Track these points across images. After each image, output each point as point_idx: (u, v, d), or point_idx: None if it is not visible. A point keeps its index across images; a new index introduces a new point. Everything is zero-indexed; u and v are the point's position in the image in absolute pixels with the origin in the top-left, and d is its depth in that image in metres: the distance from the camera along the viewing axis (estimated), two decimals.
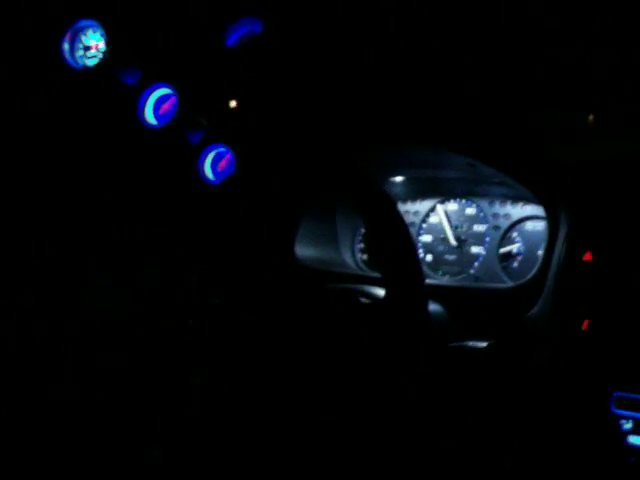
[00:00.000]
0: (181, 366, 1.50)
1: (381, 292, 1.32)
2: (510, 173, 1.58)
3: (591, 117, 1.63)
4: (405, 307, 1.21)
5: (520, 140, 1.63)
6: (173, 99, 1.69)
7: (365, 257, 1.93)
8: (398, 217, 1.24)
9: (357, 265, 1.93)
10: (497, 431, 1.42)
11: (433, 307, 1.48)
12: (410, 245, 1.22)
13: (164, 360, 1.52)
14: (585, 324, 1.38)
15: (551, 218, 1.51)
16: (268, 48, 1.78)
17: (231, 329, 1.46)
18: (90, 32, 1.60)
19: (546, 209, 1.53)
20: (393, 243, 1.22)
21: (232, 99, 1.75)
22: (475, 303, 1.56)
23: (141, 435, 1.49)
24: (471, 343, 1.41)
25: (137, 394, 1.53)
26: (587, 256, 1.41)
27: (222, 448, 1.43)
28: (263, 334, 1.40)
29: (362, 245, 1.95)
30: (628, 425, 1.34)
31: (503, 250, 1.73)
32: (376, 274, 1.55)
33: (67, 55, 1.61)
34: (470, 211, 1.80)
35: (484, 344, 1.40)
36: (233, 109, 1.76)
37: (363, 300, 1.34)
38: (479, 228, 1.78)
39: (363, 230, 1.93)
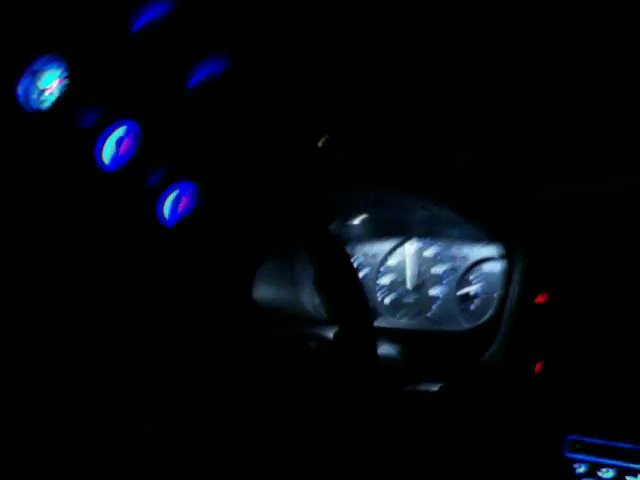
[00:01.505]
0: (134, 409, 1.48)
1: (331, 334, 1.32)
2: (465, 214, 1.59)
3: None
4: (353, 350, 1.20)
5: (475, 181, 1.64)
6: (132, 138, 1.68)
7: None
8: (345, 262, 1.24)
9: (314, 307, 1.92)
10: (450, 475, 1.40)
11: (388, 350, 1.48)
12: (357, 289, 1.22)
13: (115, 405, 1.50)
14: (538, 366, 1.38)
15: (507, 259, 1.51)
16: (231, 88, 1.78)
17: (185, 374, 1.44)
18: (48, 73, 1.59)
19: (502, 249, 1.54)
20: (340, 287, 1.21)
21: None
22: (431, 345, 1.56)
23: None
24: (423, 387, 1.40)
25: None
26: (541, 298, 1.42)
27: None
28: (215, 378, 1.38)
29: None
30: (581, 469, 1.33)
31: (461, 292, 1.73)
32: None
33: (21, 97, 1.59)
34: (429, 253, 1.80)
35: (436, 387, 1.39)
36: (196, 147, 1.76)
37: (312, 345, 1.33)
38: (437, 270, 1.78)
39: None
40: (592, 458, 1.33)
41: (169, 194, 1.75)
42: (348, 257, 1.26)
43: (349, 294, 1.22)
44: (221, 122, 1.79)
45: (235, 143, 1.79)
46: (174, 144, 1.73)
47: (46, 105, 1.59)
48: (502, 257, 1.55)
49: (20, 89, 1.59)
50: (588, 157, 1.62)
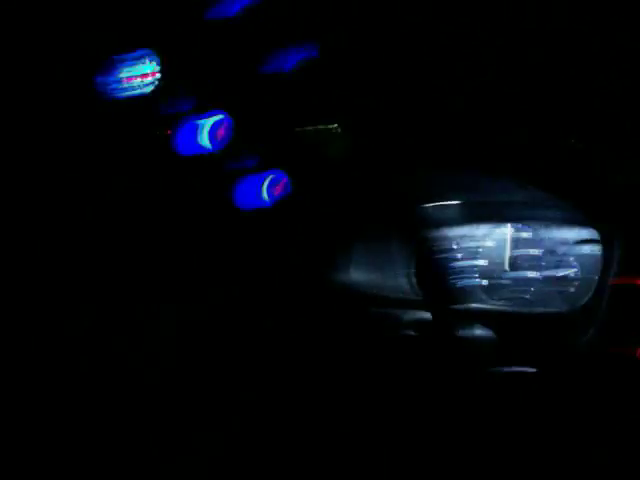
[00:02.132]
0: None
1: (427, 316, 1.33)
2: (562, 197, 1.56)
3: None
4: (445, 332, 1.21)
5: (574, 164, 1.61)
6: (227, 125, 1.73)
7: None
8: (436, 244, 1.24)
9: (412, 289, 1.92)
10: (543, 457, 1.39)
11: (485, 332, 1.47)
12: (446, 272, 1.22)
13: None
14: (639, 351, 1.35)
15: (605, 242, 1.49)
16: (325, 70, 1.80)
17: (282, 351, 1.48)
18: (146, 61, 1.64)
19: (600, 234, 1.51)
20: (431, 269, 1.22)
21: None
22: (529, 328, 1.54)
23: None
24: (520, 368, 1.39)
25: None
26: None
27: None
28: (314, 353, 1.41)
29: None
30: None
31: (559, 274, 1.70)
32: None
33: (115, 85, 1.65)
34: (526, 235, 1.78)
35: (532, 370, 1.38)
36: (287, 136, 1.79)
37: (409, 332, 1.34)
38: (535, 252, 1.76)
39: None
40: None
41: (265, 179, 1.79)
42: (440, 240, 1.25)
43: (442, 278, 1.22)
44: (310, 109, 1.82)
45: (327, 128, 1.81)
46: (263, 133, 1.76)
47: (149, 89, 1.65)
48: (600, 240, 1.52)
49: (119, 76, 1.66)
50: None
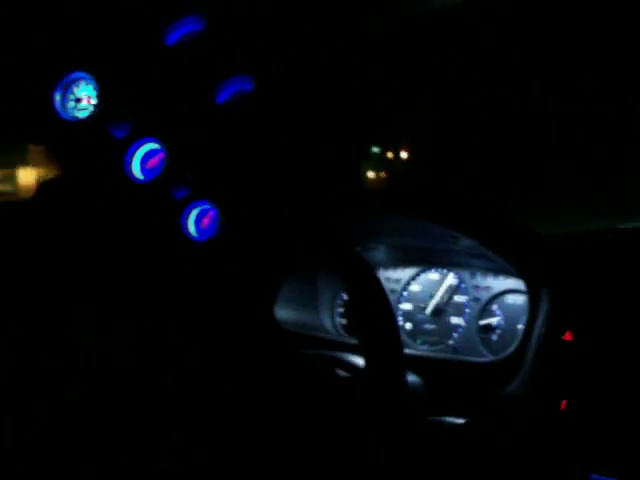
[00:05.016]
0: (158, 421, 1.48)
1: (359, 361, 1.32)
2: (490, 246, 1.59)
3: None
4: (383, 378, 1.20)
5: (501, 213, 1.64)
6: (161, 154, 1.69)
7: (344, 322, 1.92)
8: (377, 285, 1.24)
9: (336, 330, 1.92)
10: None
11: (412, 379, 1.47)
12: (389, 314, 1.22)
13: (141, 413, 1.50)
14: (563, 404, 1.38)
15: (532, 294, 1.51)
16: (259, 106, 1.79)
17: (207, 388, 1.44)
18: (82, 84, 1.60)
19: (527, 284, 1.54)
20: (372, 311, 1.21)
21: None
22: (453, 375, 1.55)
23: None
24: (449, 419, 1.40)
25: (111, 445, 1.50)
26: (567, 335, 1.41)
27: None
28: (238, 396, 1.38)
29: (342, 310, 1.94)
30: None
31: (483, 322, 1.73)
32: (354, 340, 1.54)
33: (58, 105, 1.61)
34: (451, 281, 1.80)
35: (462, 420, 1.39)
36: (220, 166, 1.76)
37: (339, 372, 1.33)
38: (459, 299, 1.78)
39: (344, 295, 1.92)
40: None
41: (191, 212, 1.76)
42: (379, 281, 1.25)
43: (382, 319, 1.21)
44: (246, 141, 1.80)
45: (260, 164, 1.80)
46: (195, 163, 1.74)
47: (83, 114, 1.61)
48: (526, 290, 1.55)
49: (57, 98, 1.61)
50: (617, 192, 1.62)
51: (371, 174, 1.81)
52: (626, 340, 1.38)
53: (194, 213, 1.78)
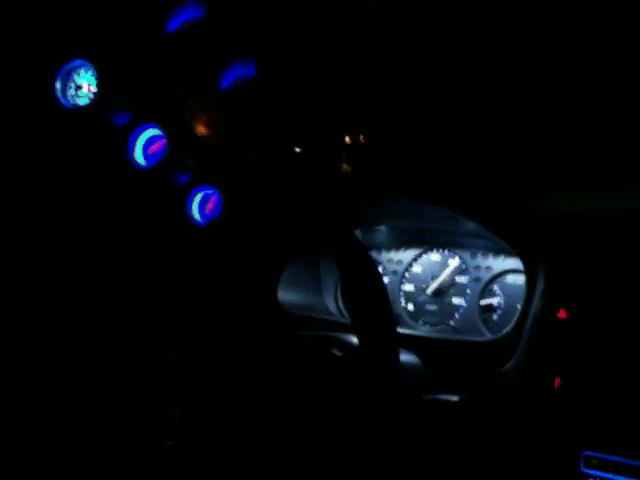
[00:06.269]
0: (160, 402, 1.51)
1: (355, 340, 1.33)
2: (489, 226, 1.60)
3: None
4: (375, 357, 1.22)
5: (499, 193, 1.65)
6: (162, 140, 1.71)
7: None
8: (371, 266, 1.25)
9: (339, 312, 1.93)
10: None
11: (409, 358, 1.49)
12: (382, 295, 1.23)
13: (144, 395, 1.53)
14: (557, 381, 1.39)
15: (529, 273, 1.52)
16: (261, 90, 1.80)
17: (209, 369, 1.47)
18: (82, 72, 1.63)
19: (524, 263, 1.54)
20: (365, 292, 1.23)
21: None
22: (452, 355, 1.56)
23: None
24: (444, 396, 1.41)
25: (116, 426, 1.53)
26: (562, 313, 1.42)
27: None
28: (239, 375, 1.41)
29: None
30: None
31: (483, 302, 1.74)
32: None
33: (59, 94, 1.63)
34: (452, 262, 1.81)
35: (456, 398, 1.40)
36: (224, 151, 1.78)
37: (336, 352, 1.35)
38: (461, 279, 1.79)
39: None
40: (608, 475, 1.33)
41: (195, 196, 1.78)
42: (373, 262, 1.27)
43: (374, 300, 1.23)
44: (248, 126, 1.81)
45: (261, 148, 1.81)
46: (197, 149, 1.75)
47: (83, 102, 1.63)
48: (525, 270, 1.55)
49: (57, 86, 1.63)
50: (614, 172, 1.62)
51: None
52: (619, 318, 1.39)
53: (198, 198, 1.80)
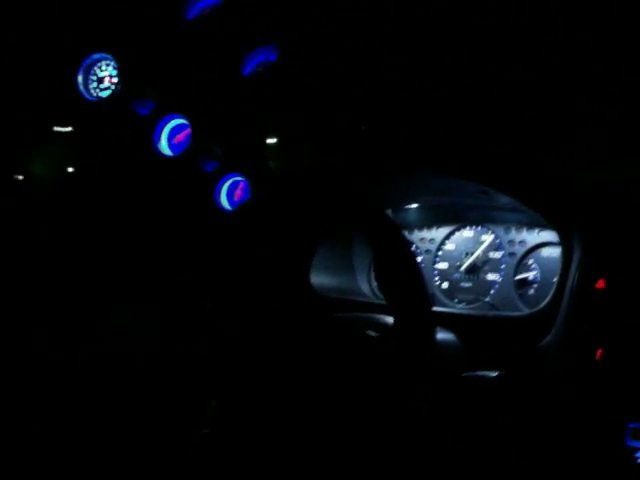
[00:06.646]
0: (196, 389, 1.51)
1: (390, 320, 1.32)
2: (522, 199, 1.57)
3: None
4: (412, 337, 1.20)
5: (531, 165, 1.62)
6: (187, 129, 1.71)
7: None
8: (404, 246, 1.24)
9: (373, 293, 1.92)
10: (508, 462, 1.39)
11: (447, 336, 1.47)
12: (417, 274, 1.22)
13: (180, 383, 1.53)
14: (599, 353, 1.36)
15: (565, 244, 1.49)
16: (284, 76, 1.79)
17: (242, 355, 1.46)
18: (103, 65, 1.63)
19: (559, 234, 1.51)
20: (400, 272, 1.21)
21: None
22: (489, 331, 1.54)
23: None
24: (482, 373, 1.39)
25: (154, 416, 1.54)
26: (600, 283, 1.39)
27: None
28: (273, 360, 1.40)
29: None
30: None
31: (519, 277, 1.71)
32: None
33: (81, 87, 1.63)
34: (486, 238, 1.79)
35: (495, 374, 1.38)
36: (246, 137, 1.77)
37: (371, 333, 1.33)
38: (495, 255, 1.76)
39: None
40: None
41: (224, 183, 1.77)
42: (407, 241, 1.25)
43: (409, 280, 1.21)
44: (273, 111, 1.80)
45: (289, 132, 1.80)
46: (223, 138, 1.75)
47: (105, 94, 1.63)
48: (560, 242, 1.52)
49: (79, 80, 1.63)
50: None
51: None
52: None
53: (226, 186, 1.79)
